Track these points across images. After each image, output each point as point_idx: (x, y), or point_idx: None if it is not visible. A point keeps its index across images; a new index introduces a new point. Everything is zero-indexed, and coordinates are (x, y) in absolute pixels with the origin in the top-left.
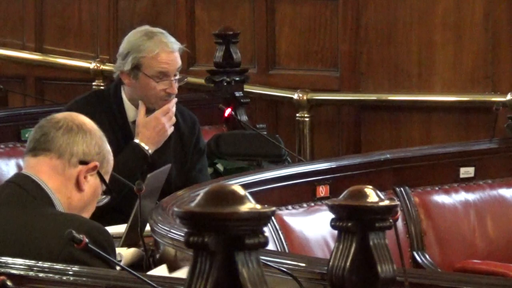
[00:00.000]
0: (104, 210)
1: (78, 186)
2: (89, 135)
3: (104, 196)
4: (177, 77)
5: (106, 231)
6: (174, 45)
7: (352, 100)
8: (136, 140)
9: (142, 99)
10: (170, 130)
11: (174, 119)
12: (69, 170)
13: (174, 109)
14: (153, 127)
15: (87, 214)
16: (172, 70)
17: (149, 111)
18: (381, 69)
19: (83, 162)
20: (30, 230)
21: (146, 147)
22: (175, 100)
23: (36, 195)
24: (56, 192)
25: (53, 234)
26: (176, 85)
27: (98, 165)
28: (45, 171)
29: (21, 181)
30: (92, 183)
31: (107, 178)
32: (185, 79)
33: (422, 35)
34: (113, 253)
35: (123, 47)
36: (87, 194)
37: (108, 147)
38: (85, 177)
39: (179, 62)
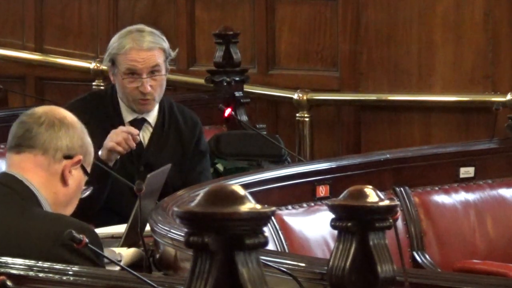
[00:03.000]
0: (104, 210)
1: (64, 180)
2: (72, 129)
3: (85, 187)
4: (158, 75)
5: (93, 231)
6: (150, 43)
7: (352, 100)
8: None
9: (122, 97)
10: (111, 144)
11: (121, 144)
12: (54, 165)
13: (130, 142)
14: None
15: (71, 208)
16: (142, 68)
17: (136, 112)
18: (381, 69)
19: (67, 157)
20: (17, 231)
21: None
22: (137, 136)
23: (23, 195)
24: (41, 188)
25: (40, 234)
26: (150, 84)
27: (82, 158)
28: (29, 168)
29: (6, 180)
30: (76, 176)
31: (89, 170)
32: (163, 79)
33: (422, 35)
34: (102, 251)
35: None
36: (72, 188)
37: (88, 139)
38: (69, 171)
39: (154, 60)
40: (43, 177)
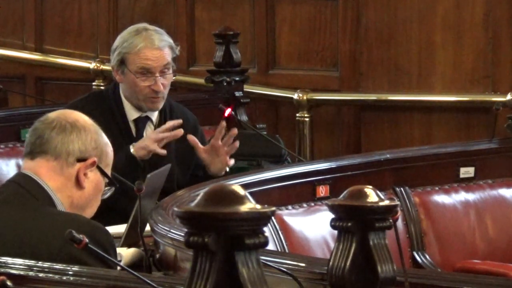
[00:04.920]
0: (104, 210)
1: (79, 183)
2: (84, 131)
3: (108, 188)
4: (168, 73)
5: (107, 231)
6: (161, 42)
7: (352, 100)
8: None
9: (131, 95)
10: (154, 146)
11: (165, 138)
12: (67, 169)
13: (169, 133)
14: (147, 135)
15: (91, 210)
16: (156, 67)
17: (141, 110)
18: (381, 69)
19: (81, 160)
20: (30, 230)
21: (131, 149)
22: (179, 130)
23: (37, 195)
24: (57, 192)
25: (53, 233)
26: (161, 82)
27: (96, 160)
28: (44, 173)
29: (22, 180)
30: (92, 178)
31: (108, 170)
32: (173, 78)
33: (422, 35)
34: (114, 253)
35: (114, 43)
36: (89, 190)
37: (105, 140)
38: (85, 174)
39: (165, 59)
40: (58, 181)
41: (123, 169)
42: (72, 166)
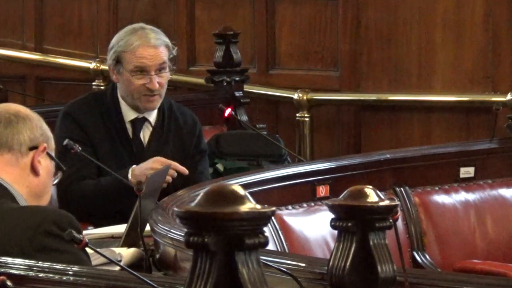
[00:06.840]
0: (105, 210)
1: (34, 171)
2: (28, 120)
3: (56, 174)
4: (164, 72)
5: (70, 215)
6: (157, 40)
7: (352, 100)
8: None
9: (127, 95)
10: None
11: (169, 178)
12: (22, 159)
13: (174, 174)
14: (147, 162)
15: (47, 197)
16: (151, 65)
17: (138, 110)
18: (381, 69)
19: (32, 148)
20: None
21: (129, 173)
22: (185, 172)
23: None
24: (14, 184)
25: (21, 227)
26: (157, 81)
27: (46, 145)
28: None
29: None
30: (44, 164)
31: (53, 154)
32: (169, 76)
33: (422, 35)
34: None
35: (111, 42)
36: (44, 176)
37: (45, 125)
38: (38, 161)
39: (161, 58)
40: (15, 173)
41: (117, 192)
42: (26, 155)
